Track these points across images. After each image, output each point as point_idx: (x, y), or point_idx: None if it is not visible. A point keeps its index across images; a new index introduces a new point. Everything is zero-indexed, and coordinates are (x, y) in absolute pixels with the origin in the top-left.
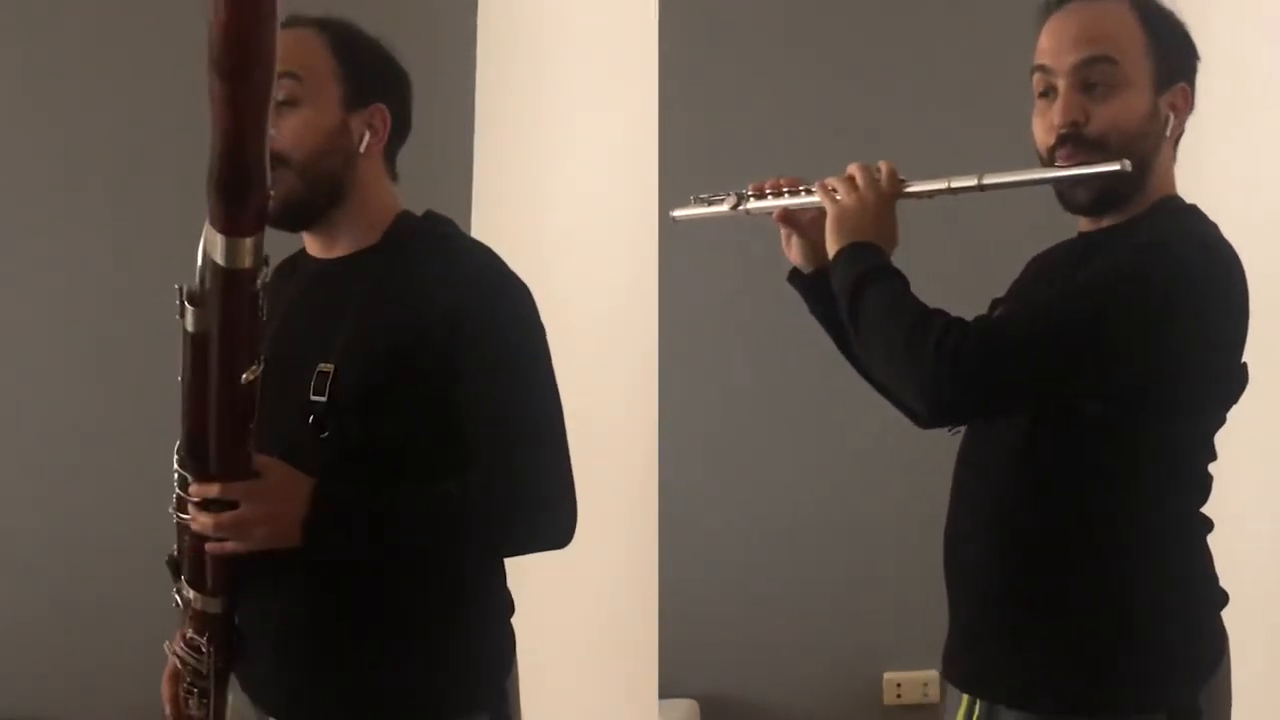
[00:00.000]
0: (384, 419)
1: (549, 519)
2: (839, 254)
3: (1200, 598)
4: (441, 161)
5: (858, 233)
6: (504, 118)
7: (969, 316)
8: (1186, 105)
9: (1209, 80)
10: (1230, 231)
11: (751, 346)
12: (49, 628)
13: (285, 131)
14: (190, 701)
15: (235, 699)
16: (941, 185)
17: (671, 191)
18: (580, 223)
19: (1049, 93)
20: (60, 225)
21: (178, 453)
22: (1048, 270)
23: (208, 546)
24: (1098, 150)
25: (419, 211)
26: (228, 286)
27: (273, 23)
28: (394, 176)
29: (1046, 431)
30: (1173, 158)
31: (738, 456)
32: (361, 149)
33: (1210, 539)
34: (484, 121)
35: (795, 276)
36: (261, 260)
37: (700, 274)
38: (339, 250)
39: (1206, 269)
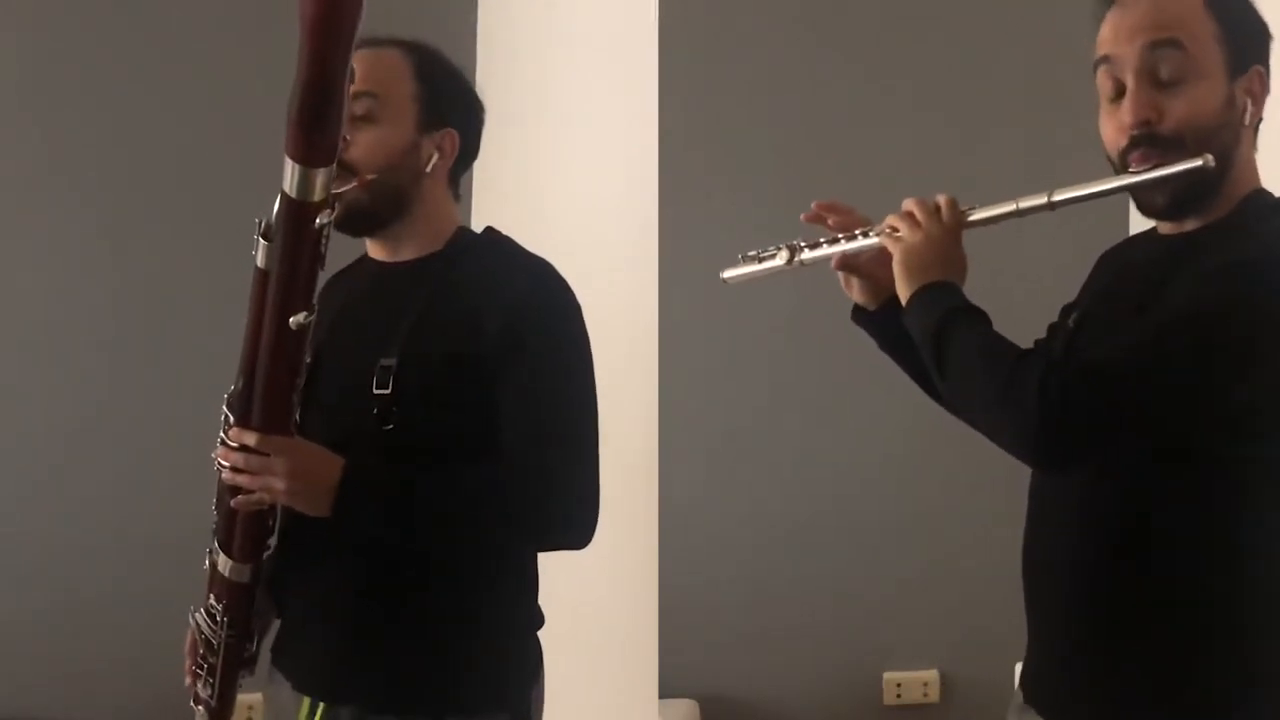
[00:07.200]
0: (445, 413)
1: (567, 518)
2: (913, 298)
3: None
4: None
5: (927, 271)
6: (504, 119)
7: (1031, 326)
8: (1264, 90)
9: None
10: None
11: (751, 348)
12: (49, 628)
13: (359, 144)
14: (198, 684)
15: (275, 688)
16: (1009, 208)
17: (672, 193)
18: (580, 225)
19: (1118, 98)
20: (58, 224)
21: (227, 398)
22: (1127, 275)
23: (234, 501)
24: (1174, 150)
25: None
26: (293, 218)
27: None
28: (456, 197)
29: (1144, 461)
30: (1254, 147)
31: (737, 457)
32: (428, 169)
33: None
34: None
35: (859, 314)
36: (329, 200)
37: (700, 276)
38: (403, 255)
39: None
